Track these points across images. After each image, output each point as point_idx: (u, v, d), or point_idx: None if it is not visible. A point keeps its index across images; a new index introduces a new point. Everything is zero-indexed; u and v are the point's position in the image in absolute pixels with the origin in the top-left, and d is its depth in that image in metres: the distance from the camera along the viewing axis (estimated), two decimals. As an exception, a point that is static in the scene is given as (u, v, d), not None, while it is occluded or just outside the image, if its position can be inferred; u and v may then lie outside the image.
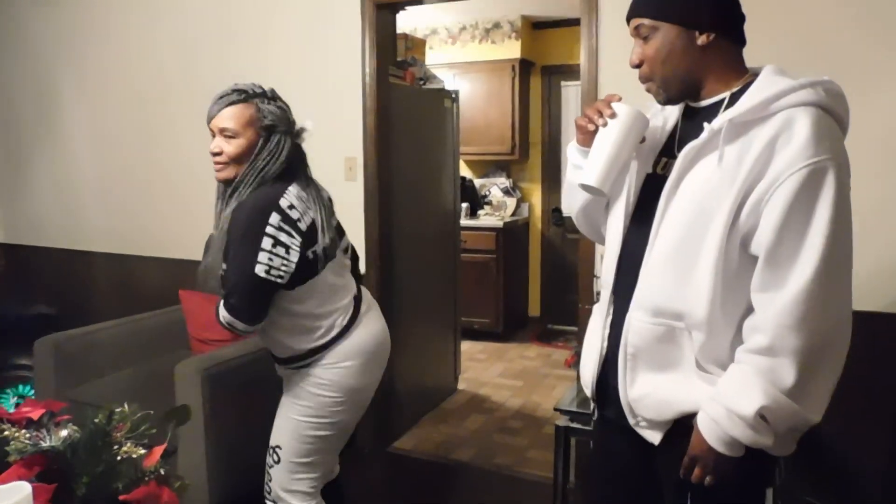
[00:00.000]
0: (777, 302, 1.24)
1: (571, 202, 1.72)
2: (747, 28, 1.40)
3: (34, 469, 1.15)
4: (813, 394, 1.27)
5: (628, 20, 1.44)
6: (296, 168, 1.94)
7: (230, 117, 1.89)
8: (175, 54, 3.71)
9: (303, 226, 1.85)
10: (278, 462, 2.01)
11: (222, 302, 1.91)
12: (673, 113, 1.52)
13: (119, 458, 1.22)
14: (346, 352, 1.97)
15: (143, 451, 1.25)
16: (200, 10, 3.60)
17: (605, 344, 1.52)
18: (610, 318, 1.51)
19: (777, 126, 1.26)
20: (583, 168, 1.50)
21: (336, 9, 3.23)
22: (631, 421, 1.45)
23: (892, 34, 2.31)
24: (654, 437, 1.44)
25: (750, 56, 1.42)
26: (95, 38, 3.95)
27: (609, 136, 1.42)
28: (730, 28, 1.39)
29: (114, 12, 3.88)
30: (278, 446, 2.01)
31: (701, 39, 1.36)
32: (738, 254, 1.31)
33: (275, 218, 1.82)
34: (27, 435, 1.21)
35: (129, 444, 1.25)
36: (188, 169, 3.71)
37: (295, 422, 1.99)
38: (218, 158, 1.91)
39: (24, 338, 3.07)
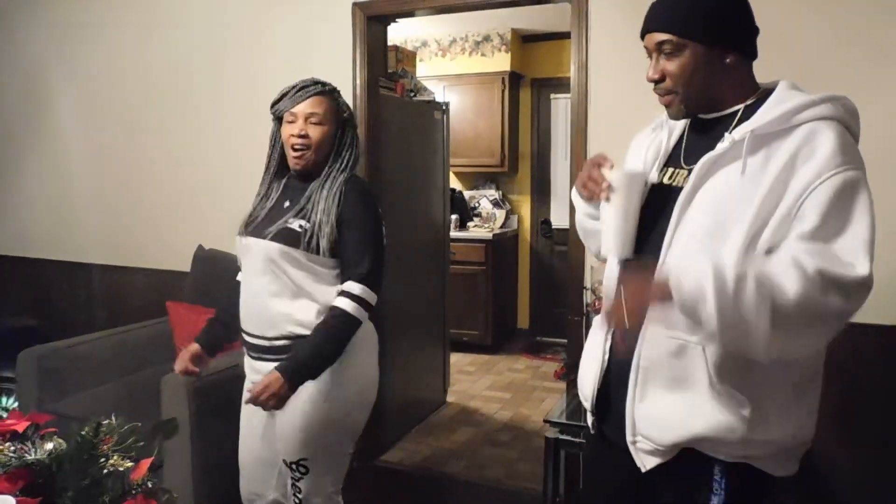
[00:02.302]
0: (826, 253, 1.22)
1: (595, 244, 1.70)
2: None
3: (18, 483, 1.14)
4: (785, 331, 1.21)
5: (645, 34, 1.42)
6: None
7: (317, 104, 2.00)
8: (166, 65, 3.69)
9: None
10: (306, 472, 2.01)
11: (353, 284, 1.94)
12: (678, 123, 1.52)
13: (105, 471, 1.21)
14: (362, 337, 2.02)
15: (130, 465, 1.23)
16: (192, 20, 3.59)
17: (607, 357, 1.50)
18: (612, 330, 1.50)
19: (800, 138, 1.27)
20: (591, 213, 1.58)
21: (327, 20, 3.23)
22: (629, 438, 1.42)
23: (878, 51, 2.33)
24: (648, 461, 1.41)
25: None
26: (84, 47, 3.93)
27: (615, 210, 1.44)
28: (748, 44, 1.40)
29: (105, 22, 3.85)
30: (302, 459, 1.99)
31: (729, 59, 1.37)
32: None
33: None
34: (11, 448, 1.19)
35: (115, 458, 1.24)
36: (176, 179, 3.69)
37: (316, 427, 1.96)
38: (303, 141, 1.99)
39: (8, 350, 3.03)
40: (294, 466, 2.01)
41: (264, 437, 2.09)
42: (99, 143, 3.92)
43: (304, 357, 1.91)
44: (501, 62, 5.77)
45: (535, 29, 5.75)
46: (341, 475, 2.11)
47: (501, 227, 5.91)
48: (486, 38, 5.81)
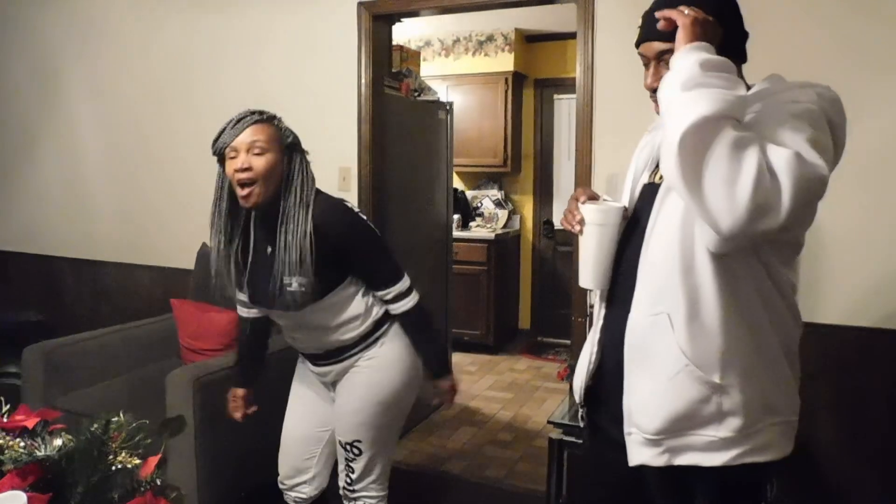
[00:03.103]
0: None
1: None
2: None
3: (29, 478, 1.14)
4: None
5: (642, 43, 1.44)
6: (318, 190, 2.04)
7: (258, 133, 1.90)
8: (172, 63, 3.70)
9: None
10: (360, 454, 2.08)
11: (385, 290, 2.01)
12: None
13: (114, 467, 1.21)
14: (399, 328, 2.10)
15: (138, 461, 1.24)
16: (197, 19, 3.60)
17: (596, 349, 1.55)
18: (601, 323, 1.55)
19: None
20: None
21: (333, 19, 3.24)
22: (626, 429, 1.45)
23: (874, 59, 2.34)
24: (638, 455, 1.43)
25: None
26: (88, 49, 3.94)
27: (588, 242, 1.50)
28: (741, 48, 1.43)
29: (109, 22, 3.87)
30: (357, 440, 2.07)
31: None
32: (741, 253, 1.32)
33: (348, 204, 2.02)
34: (21, 444, 1.19)
35: (123, 454, 1.24)
36: (181, 177, 3.70)
37: (370, 409, 2.05)
38: (247, 174, 1.87)
39: (13, 345, 3.04)
40: (348, 447, 2.08)
41: (315, 411, 2.19)
42: (107, 141, 3.94)
43: (431, 351, 2.12)
44: (505, 62, 5.77)
45: (538, 29, 5.75)
46: (390, 458, 2.19)
47: (504, 227, 5.91)
48: (490, 38, 5.81)
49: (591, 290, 1.62)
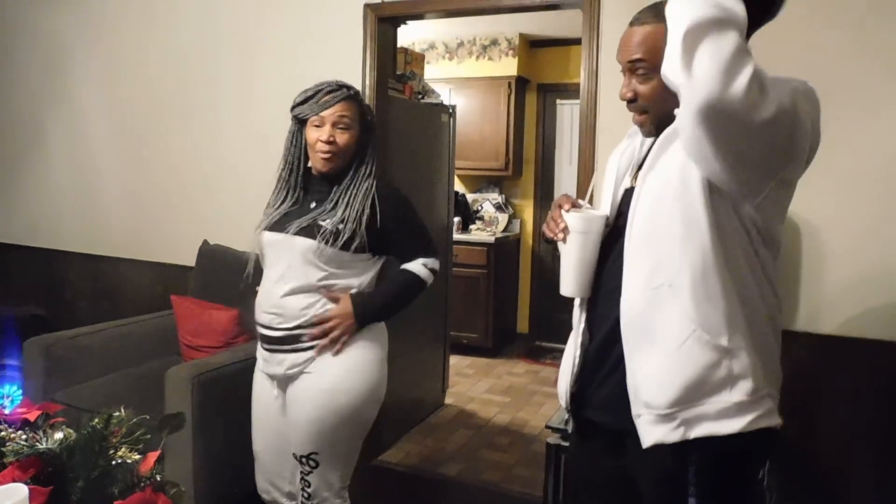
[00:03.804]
0: None
1: None
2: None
3: (30, 471, 1.14)
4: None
5: (619, 52, 1.49)
6: None
7: (346, 109, 2.01)
8: (171, 65, 3.72)
9: None
10: (316, 466, 2.03)
11: (425, 258, 2.12)
12: None
13: (114, 462, 1.22)
14: (376, 333, 2.10)
15: (138, 457, 1.25)
16: (202, 17, 3.61)
17: (579, 351, 1.58)
18: (583, 325, 1.58)
19: None
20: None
21: (339, 21, 3.24)
22: (634, 411, 1.44)
23: (889, 60, 2.34)
24: (653, 433, 1.41)
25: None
26: (85, 46, 3.96)
27: (570, 250, 1.53)
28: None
29: (106, 19, 3.89)
30: (313, 452, 2.02)
31: None
32: (729, 216, 1.37)
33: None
34: (23, 436, 1.20)
35: (123, 449, 1.25)
36: (183, 174, 3.71)
37: (328, 419, 1.99)
38: (330, 148, 2.00)
39: (14, 338, 3.05)
40: (304, 460, 2.03)
41: (278, 428, 2.12)
42: (104, 138, 3.95)
43: (378, 298, 2.08)
44: (508, 66, 5.78)
45: (542, 34, 5.76)
46: (350, 471, 2.12)
47: (504, 230, 5.92)
48: (494, 42, 5.83)
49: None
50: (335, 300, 2.02)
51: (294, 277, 2.00)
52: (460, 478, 3.38)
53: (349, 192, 2.01)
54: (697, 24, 1.19)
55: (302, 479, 2.06)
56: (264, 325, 2.07)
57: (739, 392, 1.37)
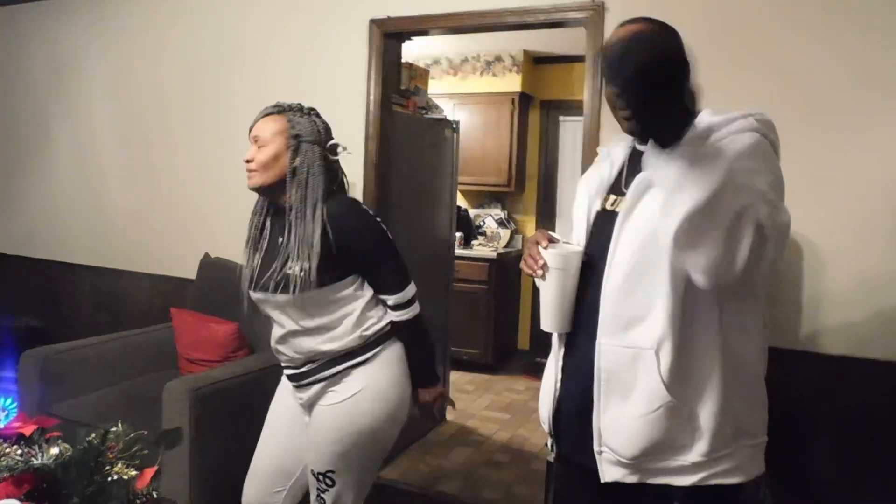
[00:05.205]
0: None
1: None
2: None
3: (24, 487, 1.13)
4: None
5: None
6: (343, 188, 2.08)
7: (262, 127, 2.00)
8: (176, 77, 3.72)
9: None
10: (333, 485, 2.01)
11: (391, 296, 2.01)
12: (619, 155, 1.61)
13: (110, 478, 1.20)
14: (395, 354, 2.04)
15: (134, 473, 1.23)
16: (204, 32, 3.62)
17: (559, 378, 1.59)
18: (562, 352, 1.59)
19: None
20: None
21: (344, 36, 3.25)
22: (596, 448, 1.48)
23: (879, 78, 2.34)
24: (610, 472, 1.47)
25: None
26: (93, 58, 3.97)
27: (549, 286, 1.53)
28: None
29: (115, 31, 3.90)
30: (330, 471, 2.00)
31: None
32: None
33: (364, 206, 2.05)
34: (18, 451, 1.18)
35: (119, 465, 1.23)
36: (184, 187, 3.70)
37: (348, 439, 1.97)
38: (248, 165, 1.99)
39: (10, 349, 3.03)
40: (321, 477, 2.01)
41: (289, 445, 2.12)
42: (115, 151, 3.94)
43: (421, 359, 2.08)
44: (512, 83, 5.80)
45: (546, 51, 5.78)
46: (364, 492, 2.10)
47: (505, 246, 5.91)
48: (498, 59, 5.85)
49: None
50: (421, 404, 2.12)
51: (290, 324, 2.00)
52: (459, 496, 3.35)
53: (294, 227, 1.93)
54: (694, 211, 1.19)
55: (318, 496, 2.04)
56: (282, 362, 2.11)
57: (696, 453, 1.41)
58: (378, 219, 2.03)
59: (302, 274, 1.90)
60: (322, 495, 2.02)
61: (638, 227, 1.42)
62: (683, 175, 1.20)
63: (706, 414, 1.40)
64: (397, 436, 2.10)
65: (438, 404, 2.11)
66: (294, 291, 1.91)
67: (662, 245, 1.32)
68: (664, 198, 1.24)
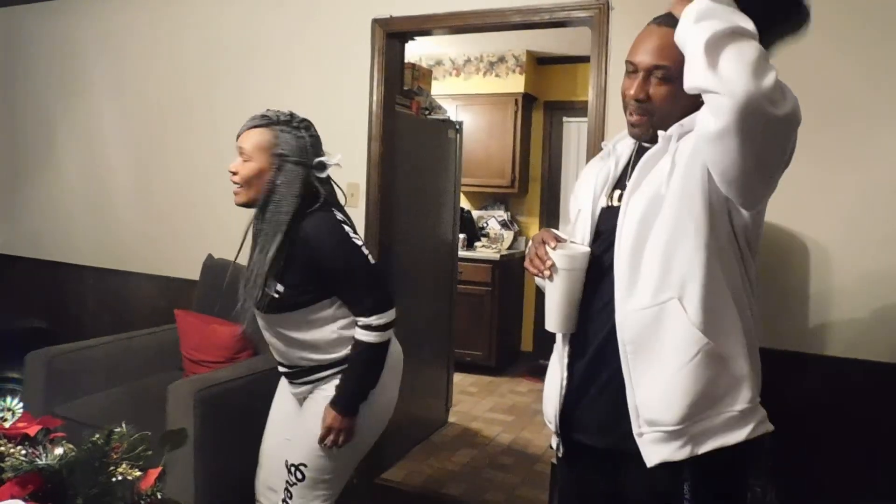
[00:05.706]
0: None
1: None
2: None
3: (28, 487, 1.13)
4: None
5: (637, 53, 1.50)
6: (331, 202, 2.00)
7: (247, 139, 1.94)
8: (180, 79, 3.73)
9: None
10: (302, 480, 2.00)
11: (364, 319, 1.92)
12: (625, 152, 1.61)
13: (114, 479, 1.20)
14: (389, 359, 2.01)
15: (138, 474, 1.23)
16: (213, 33, 3.63)
17: (566, 373, 1.56)
18: (567, 348, 1.57)
19: None
20: (542, 284, 1.62)
21: (347, 36, 3.25)
22: (636, 430, 1.44)
23: (891, 80, 2.33)
24: (660, 451, 1.41)
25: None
26: (99, 60, 3.98)
27: (556, 287, 1.52)
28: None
29: (118, 35, 3.91)
30: (303, 464, 2.00)
31: None
32: (725, 226, 1.41)
33: (338, 217, 1.95)
34: (23, 452, 1.18)
35: (124, 466, 1.23)
36: (188, 188, 3.71)
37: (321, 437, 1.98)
38: (232, 178, 1.95)
39: (16, 350, 3.03)
40: (293, 469, 2.01)
41: (287, 442, 2.13)
42: (120, 153, 3.95)
43: (351, 389, 1.94)
44: (515, 83, 5.79)
45: (550, 52, 5.78)
46: (335, 494, 2.08)
47: (509, 248, 5.90)
48: (501, 59, 5.84)
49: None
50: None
51: (281, 337, 2.02)
52: (463, 498, 3.34)
53: (264, 240, 1.92)
54: (716, 35, 1.23)
55: (286, 488, 2.04)
56: (276, 360, 2.13)
57: (743, 400, 1.41)
58: (357, 239, 1.95)
59: (276, 295, 1.91)
60: (290, 488, 2.02)
61: (644, 193, 1.44)
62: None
63: (740, 361, 1.41)
64: (372, 444, 2.10)
65: (335, 437, 1.94)
66: (270, 312, 1.94)
67: (674, 184, 1.38)
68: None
